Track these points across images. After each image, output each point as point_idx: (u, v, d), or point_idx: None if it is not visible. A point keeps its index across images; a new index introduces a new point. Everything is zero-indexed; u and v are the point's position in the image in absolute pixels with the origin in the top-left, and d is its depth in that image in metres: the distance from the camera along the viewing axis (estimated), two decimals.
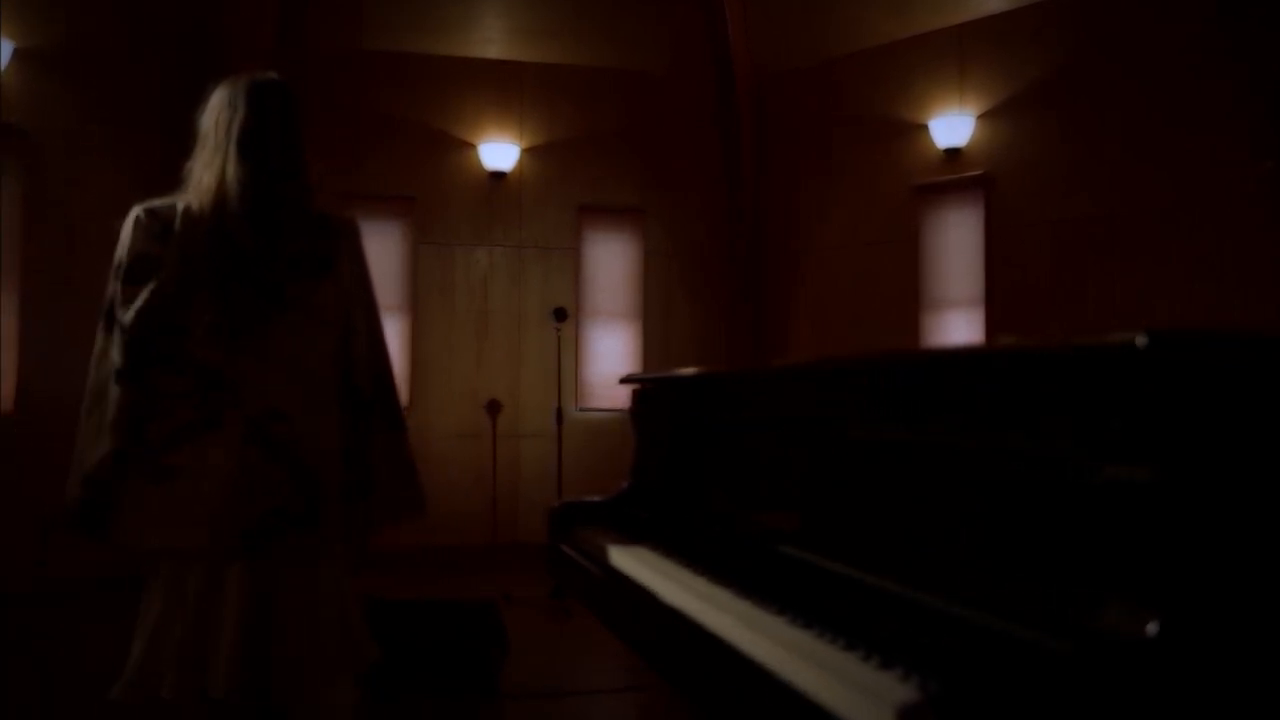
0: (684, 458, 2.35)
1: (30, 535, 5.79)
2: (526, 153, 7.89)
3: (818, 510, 1.64)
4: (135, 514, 1.98)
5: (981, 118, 6.88)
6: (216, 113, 2.13)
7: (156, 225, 2.07)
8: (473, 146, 7.80)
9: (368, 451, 2.18)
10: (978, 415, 1.21)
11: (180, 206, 2.08)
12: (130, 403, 1.98)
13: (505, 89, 7.88)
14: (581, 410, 7.77)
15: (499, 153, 7.77)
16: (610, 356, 7.95)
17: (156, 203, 2.11)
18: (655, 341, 8.00)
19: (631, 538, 2.19)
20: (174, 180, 2.18)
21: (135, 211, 2.11)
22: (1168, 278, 5.95)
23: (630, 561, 1.92)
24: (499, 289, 7.83)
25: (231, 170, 2.06)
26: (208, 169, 2.09)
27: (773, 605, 1.40)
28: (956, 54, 7.00)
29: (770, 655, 1.23)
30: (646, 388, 2.58)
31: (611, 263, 8.02)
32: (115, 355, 2.03)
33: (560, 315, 5.99)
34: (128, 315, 2.02)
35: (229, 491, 1.97)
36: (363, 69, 7.67)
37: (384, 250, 7.67)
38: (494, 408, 6.95)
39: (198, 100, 2.18)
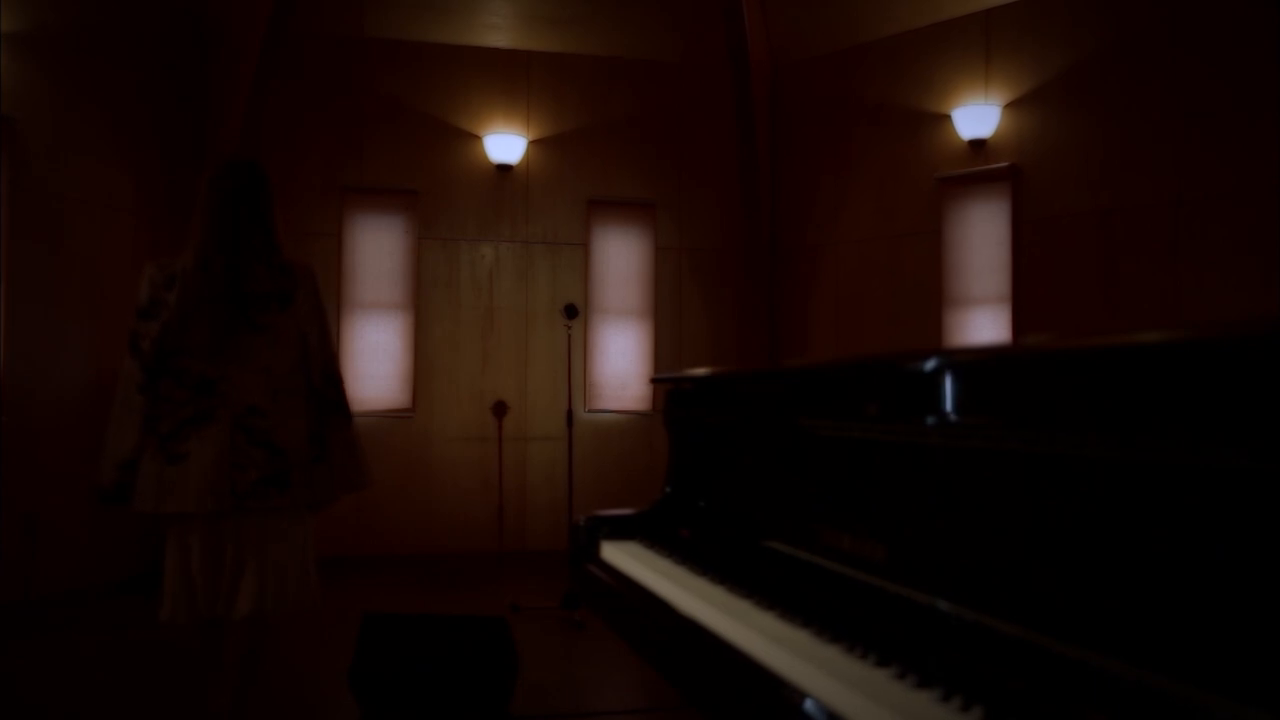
0: (727, 464, 2.08)
1: (17, 540, 5.52)
2: (534, 145, 7.62)
3: (911, 534, 1.37)
4: (152, 488, 2.68)
5: (1008, 107, 6.60)
6: (206, 188, 2.86)
7: (162, 277, 2.78)
8: (478, 138, 7.54)
9: (326, 437, 2.89)
10: (1147, 423, 0.94)
11: (179, 263, 2.79)
12: (148, 407, 2.72)
13: (512, 79, 7.61)
14: (591, 412, 7.49)
15: (505, 144, 7.50)
16: (621, 356, 7.67)
17: (165, 260, 2.83)
18: (667, 340, 7.72)
19: (671, 558, 1.92)
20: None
21: (148, 268, 2.81)
22: (1202, 272, 5.68)
23: (674, 589, 1.65)
24: (505, 285, 7.56)
25: (212, 234, 2.80)
26: (198, 230, 2.82)
27: (873, 654, 1.13)
28: (982, 42, 6.72)
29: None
30: (682, 387, 2.30)
31: (621, 258, 7.75)
32: (137, 373, 2.74)
33: (571, 312, 5.69)
34: (145, 343, 2.74)
35: (224, 466, 2.68)
36: (364, 58, 7.40)
37: (386, 245, 7.41)
38: (500, 409, 6.67)
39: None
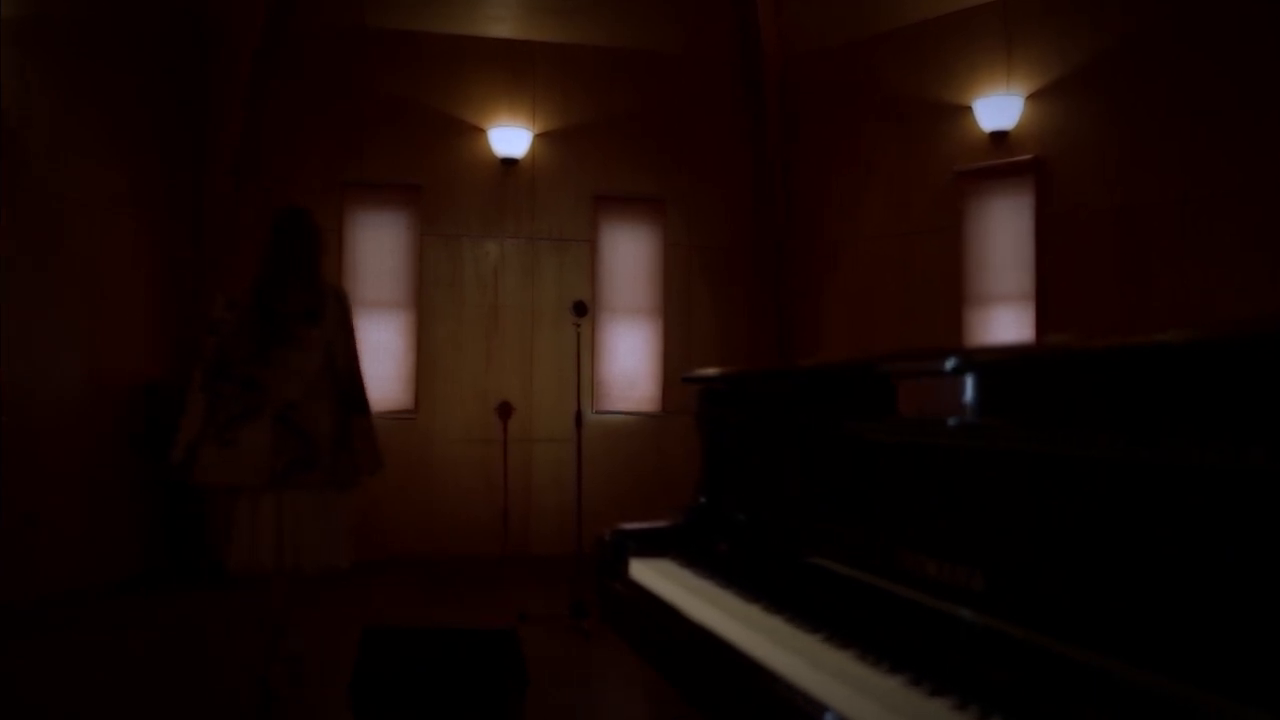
0: (768, 471, 1.87)
1: (17, 540, 5.34)
2: (539, 138, 7.42)
3: (1015, 559, 1.16)
4: (210, 465, 3.44)
5: (1031, 98, 6.40)
6: (269, 233, 3.68)
7: (225, 299, 3.62)
8: (482, 131, 7.33)
9: (349, 427, 3.63)
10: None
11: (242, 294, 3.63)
12: (208, 402, 3.48)
13: (517, 70, 7.41)
14: (598, 413, 7.29)
15: (510, 138, 7.30)
16: (629, 355, 7.46)
17: (234, 290, 3.71)
18: (676, 339, 7.51)
19: (712, 579, 1.71)
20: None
21: (219, 294, 3.70)
22: (1234, 267, 5.49)
23: (721, 618, 1.45)
24: (510, 283, 7.35)
25: (262, 269, 3.62)
26: (259, 266, 3.64)
27: (996, 714, 0.93)
28: (1003, 30, 6.52)
29: None
30: (714, 387, 2.10)
31: (629, 255, 7.54)
32: (199, 376, 3.53)
33: (580, 310, 5.46)
34: (207, 353, 3.54)
35: (267, 451, 3.44)
36: (364, 52, 7.21)
37: (388, 242, 7.21)
38: (505, 410, 6.44)
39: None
